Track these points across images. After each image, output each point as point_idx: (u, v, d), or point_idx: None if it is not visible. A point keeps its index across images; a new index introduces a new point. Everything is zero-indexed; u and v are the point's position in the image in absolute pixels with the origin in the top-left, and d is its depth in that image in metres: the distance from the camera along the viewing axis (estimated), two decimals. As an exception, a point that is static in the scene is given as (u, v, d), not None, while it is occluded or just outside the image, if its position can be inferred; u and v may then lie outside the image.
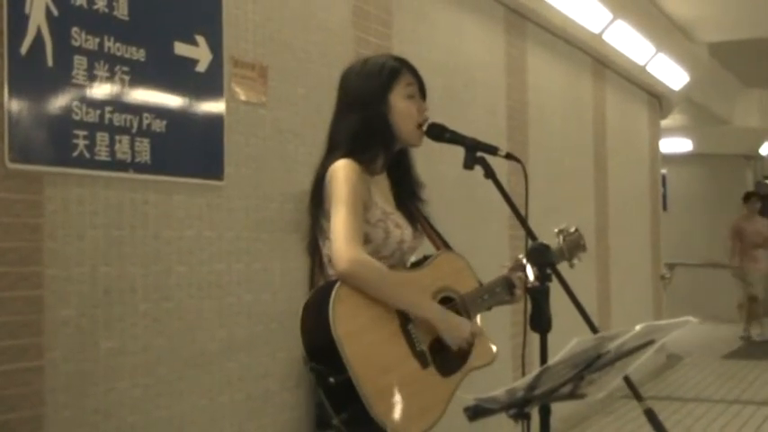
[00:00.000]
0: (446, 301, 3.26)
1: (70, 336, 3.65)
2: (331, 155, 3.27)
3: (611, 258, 10.59)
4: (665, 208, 16.13)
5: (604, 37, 9.82)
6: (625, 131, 11.57)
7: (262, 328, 4.65)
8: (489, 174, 3.17)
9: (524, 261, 3.39)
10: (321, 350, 2.90)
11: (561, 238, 3.68)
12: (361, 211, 3.13)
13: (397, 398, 2.95)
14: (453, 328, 3.16)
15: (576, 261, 3.70)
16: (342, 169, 3.15)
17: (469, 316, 3.30)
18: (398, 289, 3.08)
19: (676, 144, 18.69)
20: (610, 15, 9.55)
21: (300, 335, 3.00)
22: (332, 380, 2.88)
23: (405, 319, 3.07)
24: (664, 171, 15.87)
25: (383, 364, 2.95)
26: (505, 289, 3.45)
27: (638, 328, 2.49)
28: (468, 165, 3.21)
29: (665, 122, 14.09)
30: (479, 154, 3.21)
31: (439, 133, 3.29)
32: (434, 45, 6.62)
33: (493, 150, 3.21)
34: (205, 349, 4.31)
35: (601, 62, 10.41)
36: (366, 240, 3.17)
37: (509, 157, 3.19)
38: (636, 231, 12.08)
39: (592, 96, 10.28)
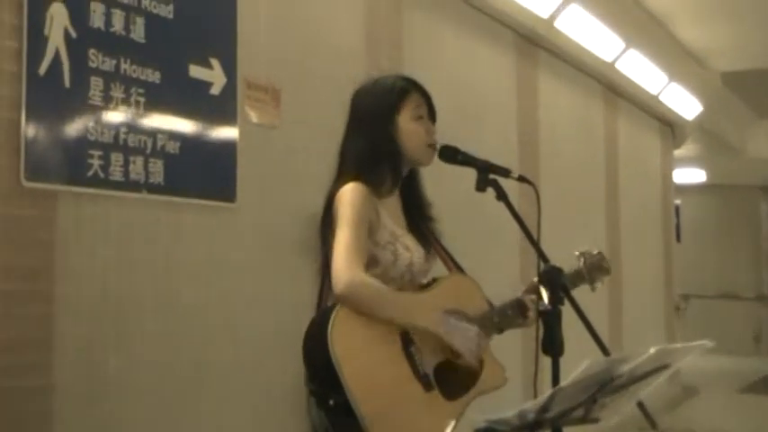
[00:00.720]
0: None
1: (80, 353, 3.70)
2: (340, 176, 3.29)
3: (624, 288, 10.59)
4: (678, 239, 16.11)
5: (617, 65, 9.86)
6: (637, 160, 11.60)
7: (270, 348, 4.69)
8: (501, 196, 3.17)
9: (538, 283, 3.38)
10: (321, 371, 2.91)
11: (582, 260, 3.64)
12: (364, 234, 3.14)
13: (396, 420, 2.95)
14: (457, 333, 3.14)
15: (598, 284, 3.68)
16: (348, 192, 3.17)
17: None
18: (397, 306, 3.08)
19: (689, 174, 18.68)
20: (622, 44, 9.60)
21: (302, 356, 3.03)
22: (331, 401, 2.91)
23: (407, 341, 3.07)
24: (677, 202, 15.85)
25: (382, 386, 2.95)
26: (518, 311, 3.40)
27: (652, 350, 2.48)
28: (481, 187, 3.21)
29: (678, 152, 14.10)
30: (492, 176, 3.22)
31: (451, 155, 3.30)
32: (446, 69, 6.67)
33: (505, 173, 3.21)
34: (214, 368, 4.36)
35: (613, 90, 10.45)
36: (375, 262, 3.19)
37: (521, 179, 3.20)
38: (648, 261, 12.08)
39: (604, 124, 10.32)
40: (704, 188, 19.78)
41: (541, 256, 3.07)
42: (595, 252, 3.68)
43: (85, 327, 3.74)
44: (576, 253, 3.64)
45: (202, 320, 4.33)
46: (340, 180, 3.26)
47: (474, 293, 3.40)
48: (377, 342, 3.00)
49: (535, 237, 3.11)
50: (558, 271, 3.04)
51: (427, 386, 3.06)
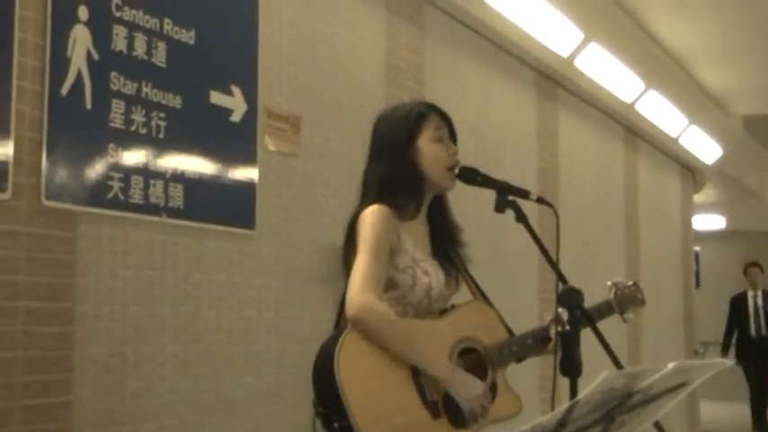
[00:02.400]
0: (468, 352, 3.22)
1: (99, 373, 3.71)
2: (363, 201, 3.30)
3: (643, 333, 10.53)
4: (697, 285, 16.03)
5: (636, 106, 9.88)
6: (657, 202, 11.57)
7: (289, 377, 4.68)
8: (521, 217, 3.17)
9: (561, 312, 3.33)
10: (327, 394, 2.91)
11: (614, 291, 3.61)
12: (384, 258, 3.13)
13: None
14: (462, 387, 3.08)
15: (630, 316, 3.63)
16: (370, 215, 3.17)
17: (493, 367, 3.27)
18: (407, 341, 3.03)
19: (709, 221, 18.63)
20: (642, 85, 9.62)
21: (311, 377, 3.02)
22: (336, 425, 2.90)
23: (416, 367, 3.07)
24: (697, 248, 15.79)
25: (387, 412, 2.93)
26: (539, 341, 3.37)
27: (670, 366, 2.46)
28: (500, 208, 3.21)
29: (697, 198, 14.05)
30: (511, 197, 3.22)
31: (471, 176, 3.30)
32: (466, 105, 6.70)
33: (524, 194, 3.21)
34: (231, 395, 4.35)
35: (633, 131, 10.46)
36: (393, 286, 3.18)
37: (540, 201, 3.20)
38: (668, 305, 12.01)
39: (623, 165, 10.32)
40: (724, 235, 19.70)
41: (560, 277, 3.06)
42: (629, 283, 3.65)
43: (105, 347, 3.75)
44: (609, 283, 3.61)
45: (222, 346, 4.33)
46: (363, 203, 3.26)
47: (491, 321, 3.36)
48: (385, 367, 2.98)
49: (554, 258, 3.10)
50: (577, 292, 3.03)
51: (435, 413, 3.03)
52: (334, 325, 3.28)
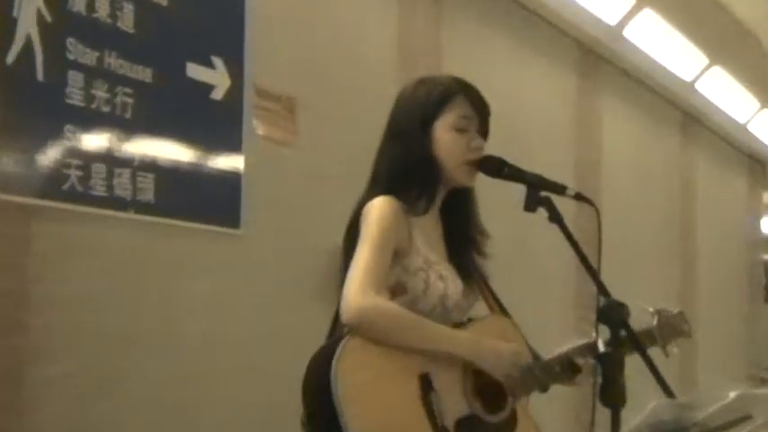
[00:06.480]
0: (485, 374, 3.22)
1: (56, 396, 3.69)
2: (371, 190, 3.26)
3: (699, 354, 10.49)
4: (766, 300, 15.98)
5: (697, 86, 9.79)
6: (719, 202, 11.49)
7: (282, 390, 4.63)
8: (555, 217, 3.12)
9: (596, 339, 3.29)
10: (321, 410, 2.86)
11: (656, 319, 3.58)
12: (387, 256, 3.09)
13: None
14: (490, 354, 3.10)
15: (673, 349, 3.60)
16: (377, 208, 3.14)
17: (514, 396, 3.24)
18: (419, 330, 3.02)
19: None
20: (705, 60, 9.53)
21: (301, 390, 2.99)
22: None
23: (426, 387, 3.03)
24: (766, 256, 15.73)
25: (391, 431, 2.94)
26: (567, 369, 3.34)
27: (732, 395, 2.44)
28: (530, 206, 3.17)
29: (768, 196, 14.02)
30: (544, 193, 3.18)
31: (496, 168, 3.25)
32: (491, 88, 6.56)
33: (560, 190, 3.16)
34: (217, 412, 4.35)
35: (692, 117, 10.39)
36: (402, 290, 3.15)
37: (579, 197, 3.16)
38: (729, 323, 11.96)
39: (679, 157, 10.27)
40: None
41: (601, 288, 3.03)
42: (675, 311, 3.61)
43: (62, 364, 3.73)
44: (651, 309, 3.57)
45: (206, 358, 4.35)
46: (370, 193, 3.23)
47: (516, 340, 3.34)
48: (389, 383, 2.96)
49: (595, 266, 3.07)
50: (621, 306, 3.00)
51: None
52: (329, 333, 3.25)
